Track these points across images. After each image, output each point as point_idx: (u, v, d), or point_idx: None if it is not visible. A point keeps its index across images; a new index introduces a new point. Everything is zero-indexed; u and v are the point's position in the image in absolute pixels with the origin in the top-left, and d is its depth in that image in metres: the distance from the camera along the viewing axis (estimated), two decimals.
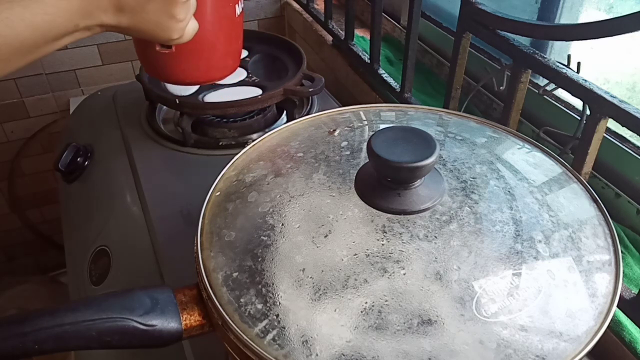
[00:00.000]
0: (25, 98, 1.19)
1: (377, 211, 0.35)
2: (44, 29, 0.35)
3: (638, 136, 0.45)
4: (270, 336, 0.30)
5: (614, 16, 0.42)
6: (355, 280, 0.32)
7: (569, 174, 0.41)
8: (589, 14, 0.64)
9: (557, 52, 0.68)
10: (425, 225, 0.34)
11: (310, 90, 0.75)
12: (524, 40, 0.54)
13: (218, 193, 0.41)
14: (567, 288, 0.32)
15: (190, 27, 0.44)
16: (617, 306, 0.33)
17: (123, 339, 0.33)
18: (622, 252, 0.46)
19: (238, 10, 0.56)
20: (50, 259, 1.46)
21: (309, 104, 0.84)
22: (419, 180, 0.35)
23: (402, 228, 0.34)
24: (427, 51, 0.88)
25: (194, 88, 0.77)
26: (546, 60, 0.51)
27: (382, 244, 0.33)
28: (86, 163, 0.81)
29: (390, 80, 0.79)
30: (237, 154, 0.44)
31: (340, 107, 0.52)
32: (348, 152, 0.41)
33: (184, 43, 0.45)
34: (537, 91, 0.61)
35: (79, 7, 0.37)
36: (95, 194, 0.76)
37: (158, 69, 0.57)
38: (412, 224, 0.34)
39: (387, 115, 0.48)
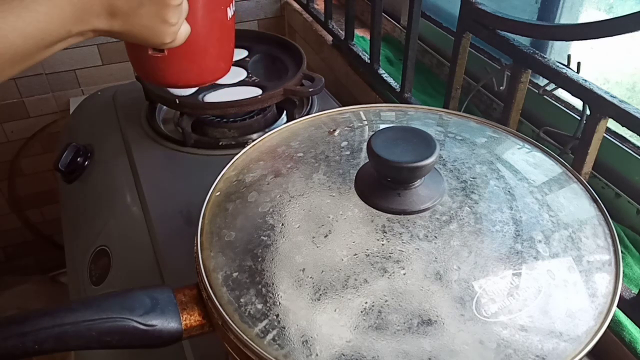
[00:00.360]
0: (25, 98, 1.19)
1: (377, 211, 0.35)
2: (37, 37, 0.35)
3: (638, 136, 0.45)
4: (270, 336, 0.30)
5: (614, 16, 0.42)
6: (355, 280, 0.32)
7: (569, 174, 0.41)
8: (589, 14, 0.64)
9: (557, 52, 0.68)
10: (425, 225, 0.34)
11: (310, 90, 0.75)
12: (524, 40, 0.54)
13: (218, 193, 0.41)
14: (567, 288, 0.32)
15: (182, 31, 0.44)
16: (617, 306, 0.33)
17: (123, 339, 0.33)
18: (622, 252, 0.46)
19: (230, 13, 0.55)
20: (50, 259, 1.46)
21: (309, 104, 0.84)
22: (419, 180, 0.35)
23: (402, 228, 0.34)
24: (427, 51, 0.88)
25: (194, 88, 0.77)
26: (546, 60, 0.51)
27: (382, 244, 0.33)
28: (86, 163, 0.81)
29: (390, 80, 0.79)
30: (237, 154, 0.44)
31: (340, 107, 0.52)
32: (348, 152, 0.41)
33: (176, 47, 0.45)
34: (537, 91, 0.61)
35: (71, 14, 0.37)
36: (95, 194, 0.76)
37: (150, 73, 0.58)
38: (412, 224, 0.34)
39: (387, 115, 0.48)
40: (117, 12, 0.39)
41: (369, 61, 0.83)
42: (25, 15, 0.34)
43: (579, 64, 0.53)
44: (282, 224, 0.36)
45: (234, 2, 0.56)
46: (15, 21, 0.34)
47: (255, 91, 0.77)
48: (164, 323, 0.34)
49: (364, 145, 0.41)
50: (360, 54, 0.87)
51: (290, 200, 0.37)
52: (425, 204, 0.35)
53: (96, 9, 0.38)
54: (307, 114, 0.58)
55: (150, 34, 0.41)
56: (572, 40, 0.49)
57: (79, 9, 0.37)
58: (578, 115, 0.59)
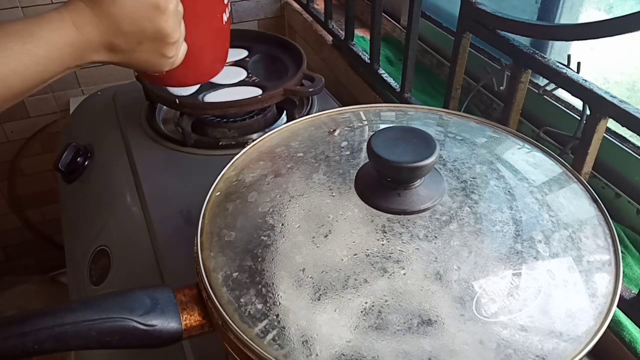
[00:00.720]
0: (25, 98, 1.19)
1: (377, 211, 0.35)
2: (36, 78, 0.36)
3: (638, 136, 0.45)
4: (270, 336, 0.30)
5: (614, 16, 0.42)
6: (355, 280, 0.32)
7: (569, 174, 0.41)
8: (589, 14, 0.64)
9: (557, 52, 0.68)
10: (425, 225, 0.34)
11: (310, 90, 0.75)
12: (524, 40, 0.54)
13: (218, 193, 0.41)
14: (567, 288, 0.32)
15: (180, 55, 0.44)
16: (617, 306, 0.33)
17: (123, 339, 0.33)
18: (622, 252, 0.46)
19: (225, 17, 0.56)
20: (50, 259, 1.46)
21: (309, 104, 0.84)
22: (419, 180, 0.35)
23: (402, 228, 0.34)
24: (427, 51, 0.88)
25: (194, 88, 0.77)
26: (546, 60, 0.51)
27: (382, 244, 0.33)
28: (86, 163, 0.81)
29: (390, 80, 0.79)
30: (237, 154, 0.44)
31: (340, 107, 0.52)
32: (348, 152, 0.41)
33: None
34: (537, 91, 0.61)
35: (70, 53, 0.37)
36: (95, 194, 0.76)
37: (150, 77, 0.61)
38: (412, 224, 0.34)
39: (387, 115, 0.48)
40: (117, 48, 0.39)
41: (369, 61, 0.83)
42: (26, 59, 0.35)
43: (579, 64, 0.53)
44: (282, 224, 0.36)
45: (229, 5, 0.57)
46: (16, 65, 0.34)
47: (255, 91, 0.77)
48: (164, 323, 0.34)
49: (364, 145, 0.41)
50: (360, 54, 0.87)
51: (290, 200, 0.37)
52: (425, 204, 0.35)
53: (95, 46, 0.38)
54: (307, 114, 0.58)
55: (149, 66, 0.42)
56: (572, 40, 0.49)
57: (78, 49, 0.37)
58: (578, 115, 0.59)
